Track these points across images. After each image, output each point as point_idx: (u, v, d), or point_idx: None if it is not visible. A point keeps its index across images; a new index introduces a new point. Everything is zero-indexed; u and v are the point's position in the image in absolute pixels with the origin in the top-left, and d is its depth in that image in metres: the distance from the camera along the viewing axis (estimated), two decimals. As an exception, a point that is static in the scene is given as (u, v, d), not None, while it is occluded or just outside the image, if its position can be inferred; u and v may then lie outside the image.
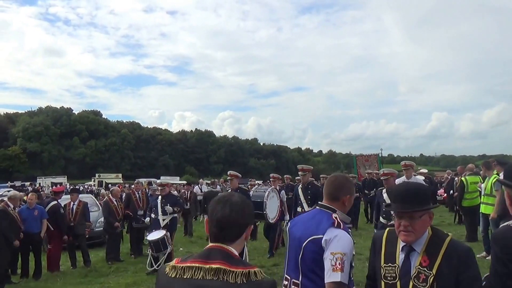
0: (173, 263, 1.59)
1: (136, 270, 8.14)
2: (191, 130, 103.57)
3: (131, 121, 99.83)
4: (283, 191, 9.26)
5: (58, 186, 23.24)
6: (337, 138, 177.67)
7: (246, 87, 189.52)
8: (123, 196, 11.02)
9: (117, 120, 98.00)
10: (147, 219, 8.42)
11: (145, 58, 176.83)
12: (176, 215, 8.35)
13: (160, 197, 8.27)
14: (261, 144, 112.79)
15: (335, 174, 2.56)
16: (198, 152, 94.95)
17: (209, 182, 24.26)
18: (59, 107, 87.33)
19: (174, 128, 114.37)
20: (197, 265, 1.52)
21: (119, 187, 18.07)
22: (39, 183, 42.78)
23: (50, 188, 36.09)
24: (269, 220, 8.08)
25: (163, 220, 7.96)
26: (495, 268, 1.81)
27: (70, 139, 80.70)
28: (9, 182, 42.97)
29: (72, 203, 9.04)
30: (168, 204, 8.05)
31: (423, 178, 11.75)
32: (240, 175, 8.04)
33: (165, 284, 1.55)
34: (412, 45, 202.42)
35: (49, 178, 47.56)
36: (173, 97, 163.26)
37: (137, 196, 10.00)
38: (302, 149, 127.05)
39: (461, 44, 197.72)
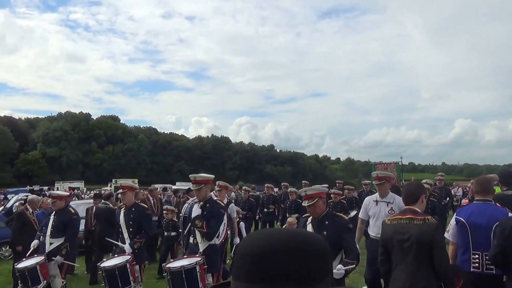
0: (388, 218, 3.62)
1: (148, 276, 8.05)
2: (208, 136, 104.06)
3: (148, 126, 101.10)
4: (232, 205, 7.61)
5: (77, 191, 23.69)
6: (356, 145, 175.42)
7: (263, 92, 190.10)
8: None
9: (134, 126, 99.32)
10: (35, 241, 6.15)
11: (163, 64, 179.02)
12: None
13: (53, 213, 6.22)
14: (278, 150, 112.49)
15: (483, 176, 4.38)
16: (214, 158, 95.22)
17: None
18: (78, 113, 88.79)
19: (191, 133, 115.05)
20: (399, 217, 3.38)
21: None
22: (57, 188, 43.44)
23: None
24: None
25: (51, 244, 5.94)
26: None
27: (88, 144, 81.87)
28: (28, 186, 43.85)
29: (94, 207, 9.05)
30: (53, 241, 5.88)
31: (428, 185, 10.23)
32: (136, 187, 6.14)
33: (384, 228, 3.49)
34: (435, 50, 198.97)
35: (67, 183, 48.22)
36: (190, 103, 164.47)
37: (151, 202, 9.96)
38: (320, 156, 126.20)
39: (486, 48, 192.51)
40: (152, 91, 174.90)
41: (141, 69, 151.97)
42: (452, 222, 3.89)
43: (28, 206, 7.65)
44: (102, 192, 12.63)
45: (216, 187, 7.63)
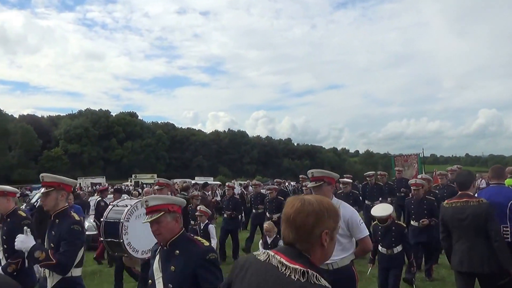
0: (446, 202, 4.27)
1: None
2: (224, 131, 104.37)
3: (166, 122, 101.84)
4: None
5: (99, 186, 24.35)
6: (375, 137, 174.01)
7: (279, 86, 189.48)
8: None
9: (152, 121, 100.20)
10: None
11: (178, 60, 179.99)
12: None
13: None
14: (295, 144, 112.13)
15: (496, 165, 4.98)
16: (231, 152, 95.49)
17: (242, 182, 24.31)
18: (97, 110, 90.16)
19: (208, 128, 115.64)
20: (457, 200, 4.13)
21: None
22: (79, 183, 44.37)
23: (89, 188, 37.40)
24: (132, 254, 4.90)
25: None
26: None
27: (108, 141, 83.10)
28: (51, 182, 44.82)
29: (114, 202, 9.25)
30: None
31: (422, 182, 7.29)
32: (9, 191, 4.37)
33: (444, 210, 4.22)
34: (456, 38, 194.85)
35: (89, 179, 49.22)
36: (207, 98, 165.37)
37: (171, 196, 10.07)
38: (338, 149, 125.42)
39: (510, 35, 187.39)
40: (168, 87, 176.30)
41: (157, 65, 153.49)
42: None
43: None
44: (122, 187, 12.78)
45: (155, 185, 6.81)
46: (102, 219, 5.49)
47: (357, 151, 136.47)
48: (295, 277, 1.47)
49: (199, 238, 2.90)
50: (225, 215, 9.68)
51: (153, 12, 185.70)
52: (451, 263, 4.31)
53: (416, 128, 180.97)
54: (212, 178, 47.37)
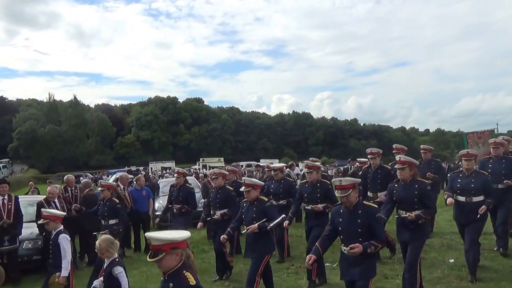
0: None
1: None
2: (289, 113, 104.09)
3: (231, 106, 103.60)
4: None
5: (168, 170, 25.68)
6: (447, 115, 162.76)
7: (344, 66, 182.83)
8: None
9: (217, 106, 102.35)
10: None
11: (241, 44, 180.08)
12: None
13: None
14: (361, 124, 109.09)
15: None
16: (296, 134, 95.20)
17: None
18: (165, 97, 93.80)
19: (273, 111, 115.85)
20: None
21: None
22: (151, 168, 46.97)
23: (160, 171, 39.40)
24: None
25: None
26: None
27: (177, 126, 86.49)
28: (126, 166, 48.02)
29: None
30: None
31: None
32: None
33: None
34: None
35: (159, 163, 51.87)
36: (270, 81, 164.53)
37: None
38: (407, 128, 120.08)
39: None
40: (232, 71, 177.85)
41: (220, 50, 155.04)
42: None
43: (119, 183, 8.39)
44: (191, 170, 13.31)
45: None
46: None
47: (427, 130, 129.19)
48: None
49: None
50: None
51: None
52: None
53: (492, 104, 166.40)
54: (277, 160, 47.77)
